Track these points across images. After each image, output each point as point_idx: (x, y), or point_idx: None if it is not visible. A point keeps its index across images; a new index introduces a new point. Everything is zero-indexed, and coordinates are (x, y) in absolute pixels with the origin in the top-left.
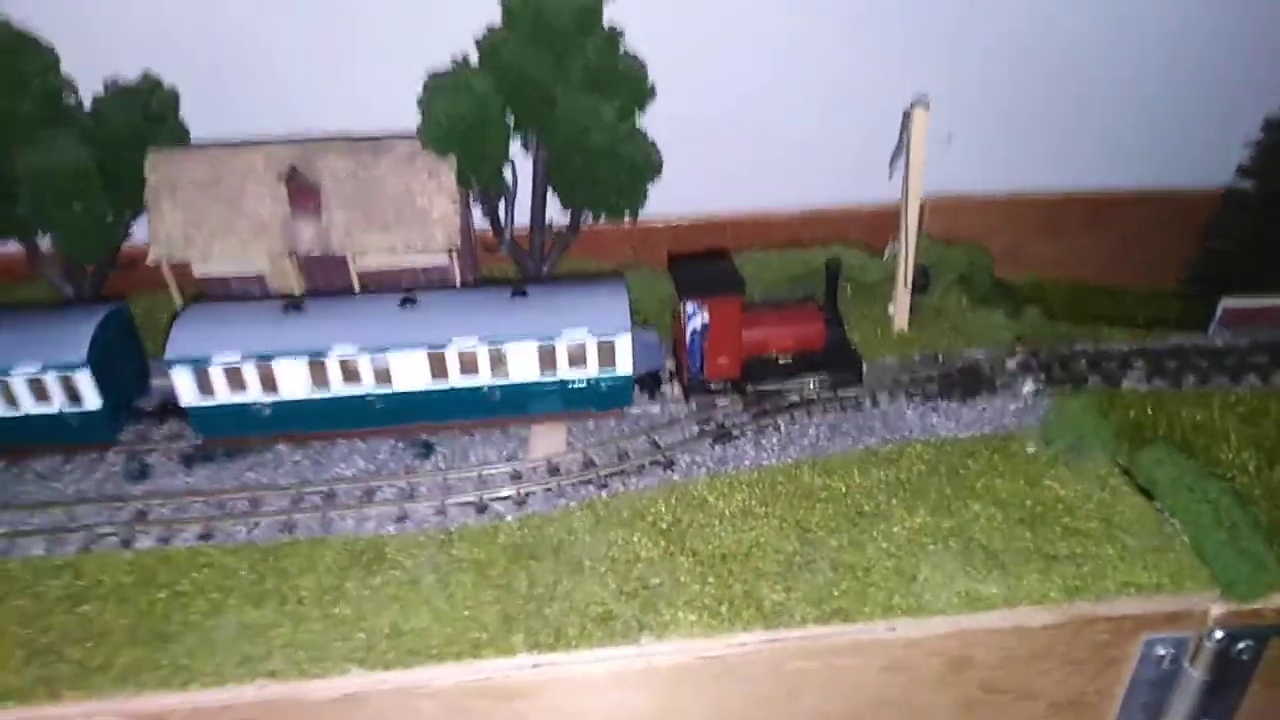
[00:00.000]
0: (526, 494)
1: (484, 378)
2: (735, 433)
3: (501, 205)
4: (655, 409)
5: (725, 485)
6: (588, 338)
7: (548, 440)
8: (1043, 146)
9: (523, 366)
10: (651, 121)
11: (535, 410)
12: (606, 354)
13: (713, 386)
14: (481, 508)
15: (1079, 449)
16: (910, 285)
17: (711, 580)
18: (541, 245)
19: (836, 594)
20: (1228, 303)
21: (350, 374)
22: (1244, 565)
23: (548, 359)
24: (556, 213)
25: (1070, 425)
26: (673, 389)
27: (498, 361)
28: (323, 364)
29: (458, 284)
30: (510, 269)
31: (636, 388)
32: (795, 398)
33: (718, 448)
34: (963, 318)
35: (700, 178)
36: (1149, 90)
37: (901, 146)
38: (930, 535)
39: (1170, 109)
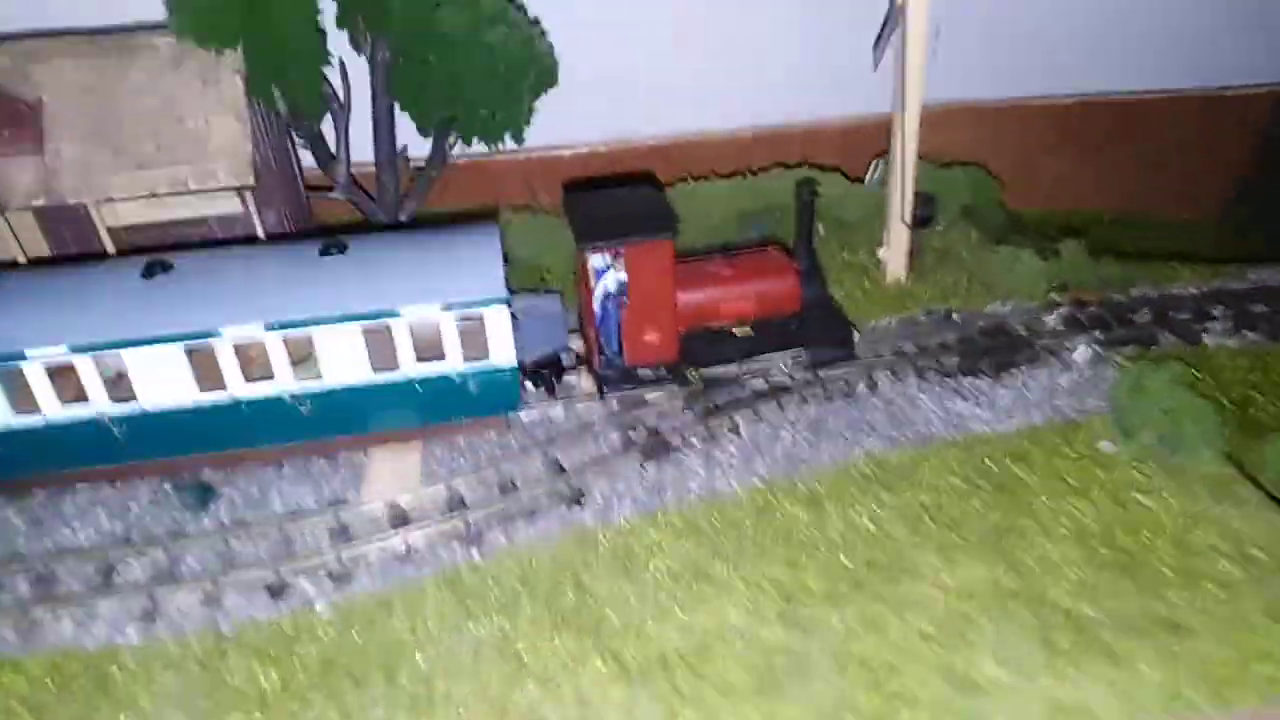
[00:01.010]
0: (352, 563)
1: (283, 382)
2: (675, 443)
3: (330, 129)
4: (557, 412)
5: (663, 529)
6: (442, 315)
7: (392, 471)
8: (1053, 42)
9: (344, 362)
10: (557, 24)
11: (374, 426)
12: (474, 337)
13: (640, 374)
14: (278, 590)
15: (1175, 442)
16: (910, 218)
17: (649, 708)
18: (395, 184)
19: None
20: None
21: (69, 386)
22: None
23: (382, 349)
24: (415, 139)
25: (1157, 407)
26: (582, 381)
27: (301, 357)
28: (18, 371)
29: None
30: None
31: (528, 383)
32: (761, 385)
33: (650, 468)
34: (978, 260)
35: (621, 94)
36: None
37: (890, 25)
38: (984, 598)
39: None
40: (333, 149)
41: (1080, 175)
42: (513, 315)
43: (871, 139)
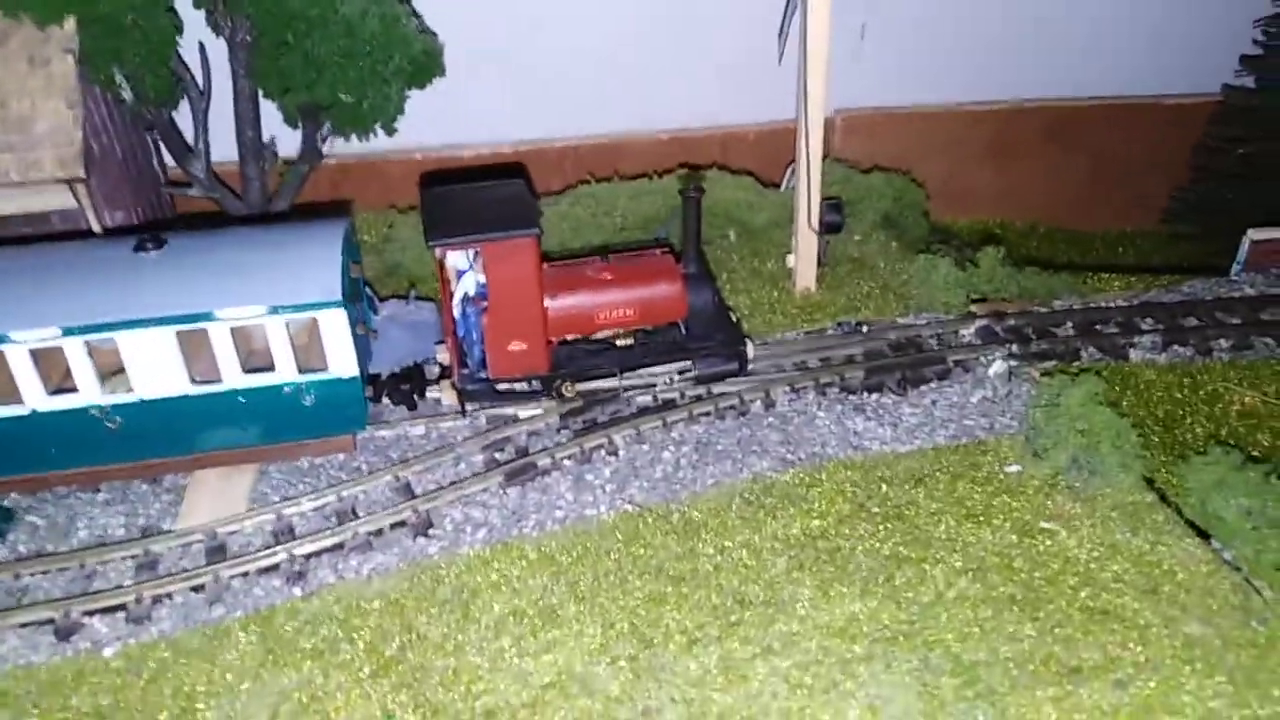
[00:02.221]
0: (155, 601)
1: (88, 394)
2: (544, 464)
3: (187, 120)
4: (417, 430)
5: (516, 562)
6: (267, 318)
7: (216, 496)
8: (988, 48)
9: (156, 372)
10: (459, 23)
11: (200, 446)
12: (310, 344)
13: (506, 388)
14: (66, 631)
15: (1088, 464)
16: (818, 225)
17: None
18: (261, 179)
19: None
20: (1255, 235)
21: None
22: None
23: (200, 357)
24: (287, 132)
25: (1073, 426)
26: (445, 396)
27: (107, 365)
28: None
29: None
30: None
31: (386, 398)
32: (646, 400)
33: (512, 492)
34: (894, 270)
35: (531, 93)
36: None
37: (791, 7)
38: (863, 640)
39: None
40: (190, 141)
41: (1013, 185)
42: (373, 324)
43: (788, 146)
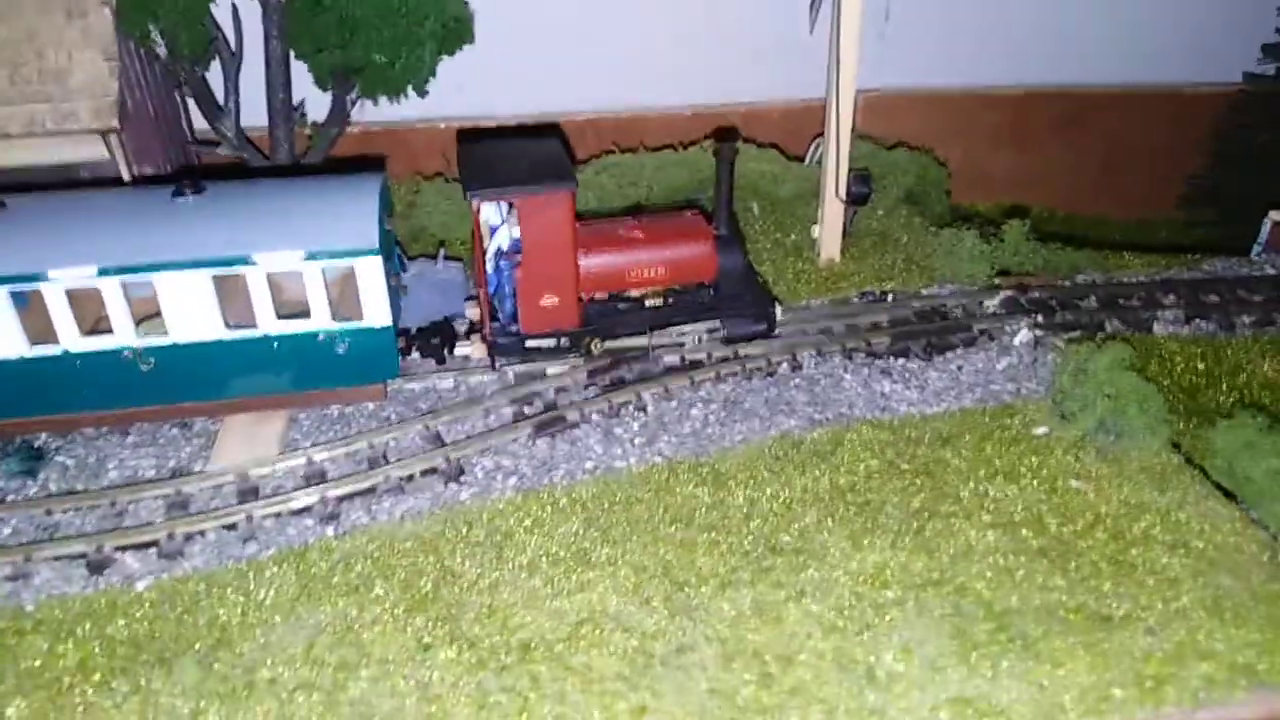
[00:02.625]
0: (186, 539)
1: (122, 335)
2: (572, 418)
3: (218, 79)
4: (446, 383)
5: (548, 507)
6: (304, 264)
7: (247, 440)
8: (1007, 33)
9: (192, 316)
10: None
11: (232, 392)
12: (344, 292)
13: (536, 344)
14: (98, 565)
15: (1115, 427)
16: (845, 195)
17: (500, 700)
18: (289, 140)
19: (732, 716)
20: (1277, 216)
21: None
22: None
23: (236, 303)
24: (316, 96)
25: (1100, 391)
26: (475, 351)
27: (143, 307)
28: None
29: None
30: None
31: (415, 352)
32: (672, 359)
33: (541, 443)
34: (918, 244)
35: (554, 66)
36: None
37: None
38: (895, 586)
39: None
40: (221, 100)
41: (1030, 170)
42: (403, 281)
43: (812, 123)
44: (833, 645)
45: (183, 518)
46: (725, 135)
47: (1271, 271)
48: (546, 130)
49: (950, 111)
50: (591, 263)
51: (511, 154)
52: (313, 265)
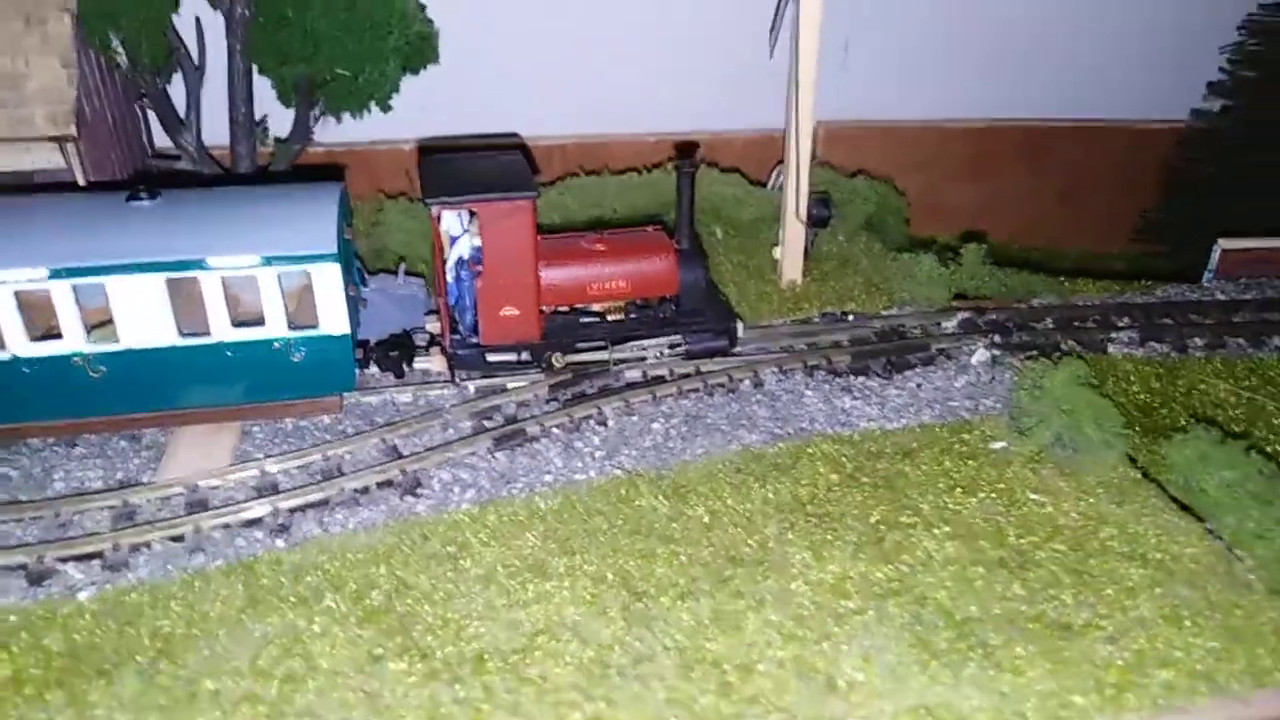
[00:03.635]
0: (132, 549)
1: (73, 341)
2: (532, 431)
3: (180, 92)
4: (405, 396)
5: (506, 520)
6: (259, 269)
7: (199, 451)
8: (966, 67)
9: (144, 321)
10: (454, 16)
11: (185, 401)
12: (301, 299)
13: (497, 358)
14: (38, 576)
15: (1071, 442)
16: (805, 217)
17: (452, 711)
18: (251, 156)
19: None
20: (1226, 244)
21: None
22: None
23: (189, 308)
24: (275, 110)
25: (1057, 406)
26: (434, 364)
27: (93, 311)
28: None
29: None
30: None
31: (373, 363)
32: (635, 374)
33: (500, 456)
34: (878, 267)
35: (520, 90)
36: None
37: (783, 6)
38: (856, 596)
39: (1123, 28)
40: (182, 114)
41: (987, 202)
42: (363, 295)
43: (774, 152)
44: (792, 654)
45: (128, 528)
46: (686, 151)
47: (1221, 297)
48: (509, 146)
49: (910, 142)
50: (553, 275)
51: (473, 165)
52: (269, 270)
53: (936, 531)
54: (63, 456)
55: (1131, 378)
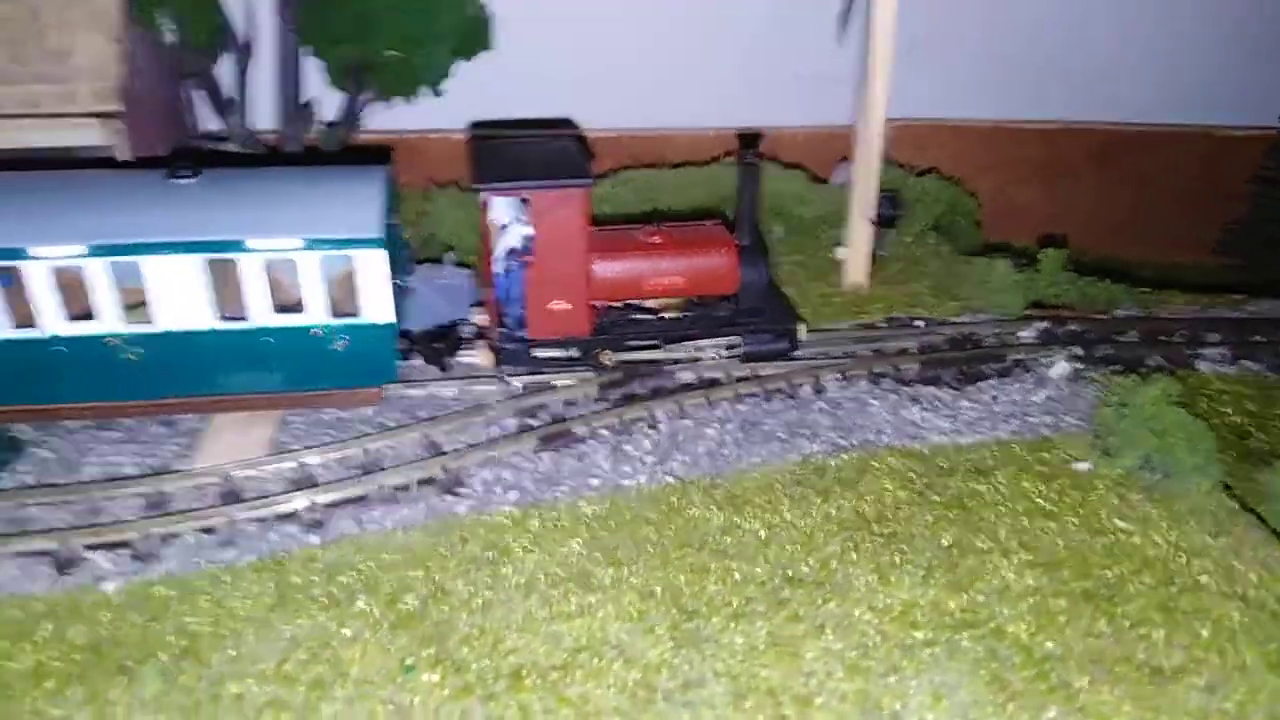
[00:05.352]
0: (162, 540)
1: (109, 321)
2: (580, 432)
3: (229, 74)
4: (448, 390)
5: (549, 525)
6: (301, 253)
7: (236, 440)
8: (1040, 67)
9: (182, 303)
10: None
11: (221, 387)
12: (343, 285)
13: (545, 353)
14: (66, 563)
15: (1162, 465)
16: (874, 216)
17: None
18: (298, 139)
19: None
20: None
21: None
22: None
23: (228, 291)
24: (322, 93)
25: (1146, 427)
26: (480, 358)
27: (130, 291)
28: None
29: None
30: None
31: (417, 355)
32: (689, 376)
33: (545, 457)
34: (949, 271)
35: (579, 81)
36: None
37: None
38: (925, 626)
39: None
40: (233, 96)
41: (1060, 208)
42: (408, 284)
43: (836, 149)
44: (855, 687)
45: (159, 517)
46: (748, 142)
47: None
48: (564, 132)
49: (980, 143)
50: (606, 268)
51: (525, 150)
52: (310, 254)
53: (1015, 559)
54: (97, 440)
55: (1224, 398)
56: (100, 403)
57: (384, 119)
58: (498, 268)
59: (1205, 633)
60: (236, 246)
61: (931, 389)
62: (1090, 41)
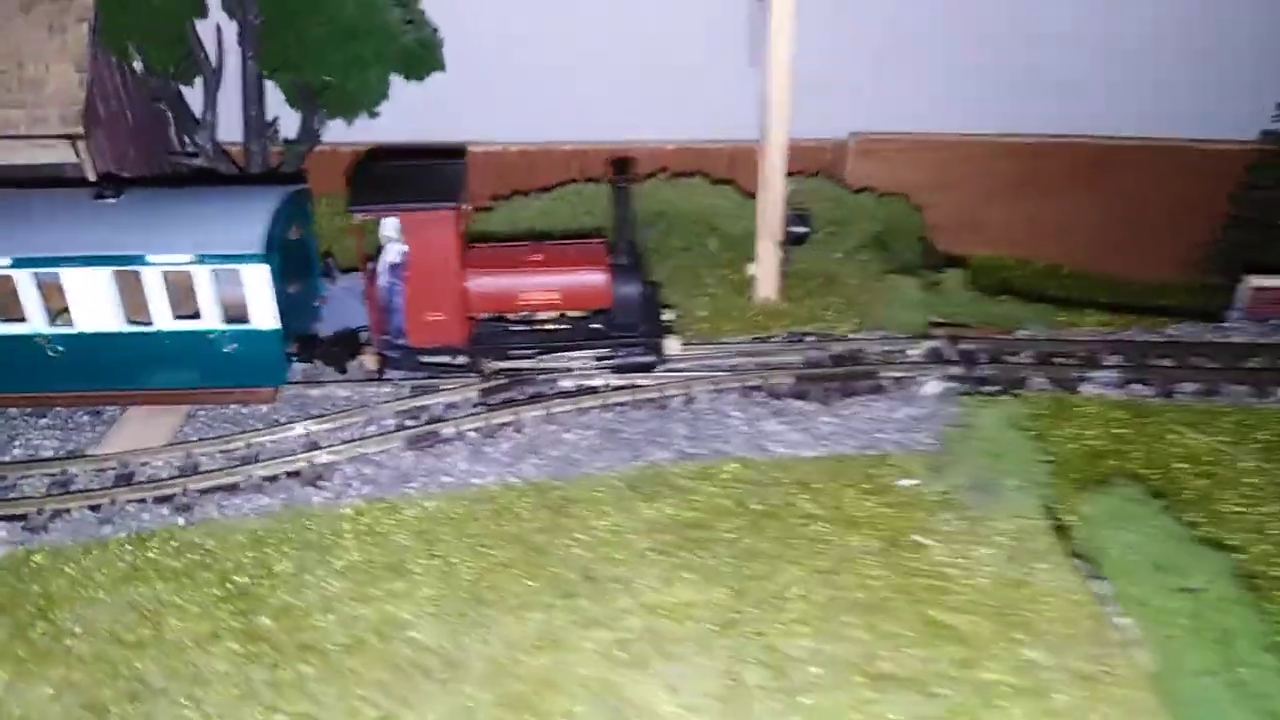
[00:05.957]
0: (54, 515)
1: (35, 322)
2: (447, 432)
3: (200, 94)
4: (344, 391)
5: (386, 515)
6: (194, 266)
7: (142, 431)
8: (1015, 78)
9: (95, 308)
10: (473, 23)
11: (132, 383)
12: (232, 294)
13: (430, 359)
14: None
15: (988, 485)
16: (779, 237)
17: (261, 692)
18: (263, 155)
19: None
20: (1256, 282)
21: None
22: None
23: (133, 297)
24: (286, 115)
25: (981, 448)
26: (367, 360)
27: (52, 297)
28: None
29: None
30: None
31: (316, 358)
32: (568, 384)
33: (409, 455)
34: (863, 288)
35: (537, 98)
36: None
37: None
38: (692, 623)
39: (1192, 38)
40: (199, 115)
41: (1037, 223)
42: (328, 293)
43: (799, 164)
44: (600, 675)
45: (58, 495)
46: (620, 168)
47: (1240, 339)
48: (454, 153)
49: (952, 157)
50: (480, 282)
51: (403, 173)
52: (202, 268)
53: (803, 566)
54: (29, 425)
55: (1094, 422)
56: (35, 394)
57: (341, 133)
58: (381, 280)
59: (952, 645)
60: (139, 260)
61: (800, 403)
62: (1068, 51)
